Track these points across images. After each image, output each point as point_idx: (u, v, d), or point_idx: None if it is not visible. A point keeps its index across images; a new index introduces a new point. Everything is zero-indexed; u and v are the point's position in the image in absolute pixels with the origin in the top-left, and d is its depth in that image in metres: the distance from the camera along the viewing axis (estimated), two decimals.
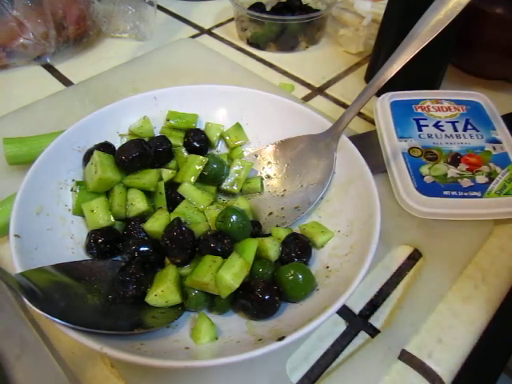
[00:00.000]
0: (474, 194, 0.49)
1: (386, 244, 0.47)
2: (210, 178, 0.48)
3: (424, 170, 0.51)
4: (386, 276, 0.46)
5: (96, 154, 0.45)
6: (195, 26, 0.88)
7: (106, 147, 0.48)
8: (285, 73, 0.75)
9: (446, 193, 0.49)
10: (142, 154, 0.45)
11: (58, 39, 0.73)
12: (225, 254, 0.40)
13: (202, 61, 0.75)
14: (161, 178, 0.48)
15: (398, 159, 0.53)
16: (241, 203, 0.47)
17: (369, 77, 0.72)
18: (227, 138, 0.54)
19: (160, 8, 0.92)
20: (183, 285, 0.39)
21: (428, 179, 0.50)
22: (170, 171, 0.49)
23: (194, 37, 0.84)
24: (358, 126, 0.62)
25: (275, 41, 0.79)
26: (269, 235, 0.45)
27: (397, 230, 0.49)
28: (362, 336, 0.41)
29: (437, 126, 0.56)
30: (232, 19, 0.87)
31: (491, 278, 0.45)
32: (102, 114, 0.50)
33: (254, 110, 0.54)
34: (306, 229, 0.45)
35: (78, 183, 0.46)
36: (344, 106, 0.68)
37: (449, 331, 0.41)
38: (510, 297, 0.45)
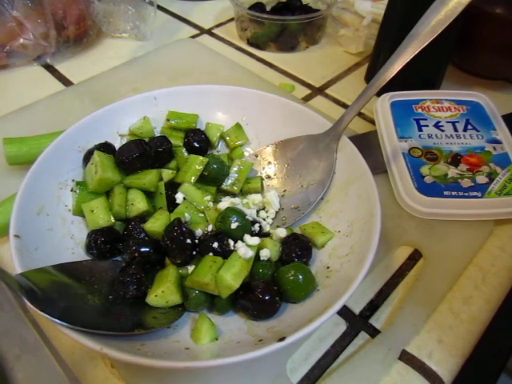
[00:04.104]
0: (475, 194, 0.49)
1: (387, 244, 0.47)
2: (210, 179, 0.48)
3: (424, 170, 0.51)
4: (387, 276, 0.46)
5: (96, 154, 0.45)
6: (195, 26, 0.88)
7: (106, 147, 0.48)
8: (285, 73, 0.75)
9: (446, 193, 0.49)
10: (142, 154, 0.46)
11: (58, 39, 0.73)
12: (225, 255, 0.40)
13: (202, 61, 0.75)
14: (161, 179, 0.48)
15: (399, 159, 0.53)
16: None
17: (369, 77, 0.72)
18: (227, 138, 0.54)
19: (160, 8, 0.92)
20: (183, 285, 0.39)
21: (428, 179, 0.50)
22: (170, 171, 0.49)
23: (194, 37, 0.84)
24: (358, 126, 0.62)
25: (275, 41, 0.79)
26: (269, 235, 0.45)
27: (397, 230, 0.49)
28: (363, 336, 0.41)
29: (437, 126, 0.56)
30: (232, 19, 0.87)
31: (491, 278, 0.45)
32: (102, 114, 0.50)
33: (254, 110, 0.54)
34: (306, 229, 0.45)
35: (78, 183, 0.46)
36: (344, 106, 0.68)
37: (449, 331, 0.41)
38: (510, 297, 0.45)
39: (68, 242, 0.42)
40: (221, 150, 0.55)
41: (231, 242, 0.41)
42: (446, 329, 0.41)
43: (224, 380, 0.37)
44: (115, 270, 0.40)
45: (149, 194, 0.46)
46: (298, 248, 0.42)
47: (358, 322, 0.42)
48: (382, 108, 0.58)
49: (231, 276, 0.37)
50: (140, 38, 0.82)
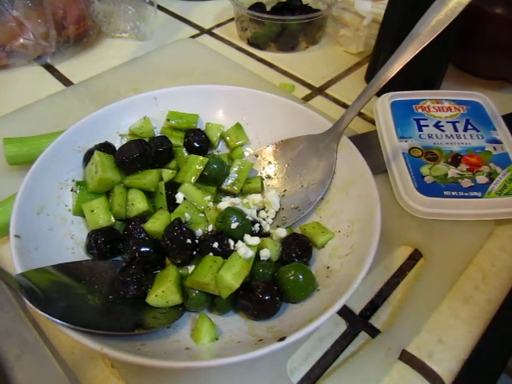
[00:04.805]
0: (475, 194, 0.49)
1: (387, 244, 0.47)
2: (211, 179, 0.48)
3: (424, 170, 0.51)
4: (387, 276, 0.46)
5: (96, 154, 0.45)
6: (195, 26, 0.88)
7: (106, 147, 0.48)
8: (285, 73, 0.75)
9: (446, 193, 0.49)
10: (142, 154, 0.46)
11: (58, 39, 0.73)
12: (225, 255, 0.40)
13: (202, 61, 0.75)
14: (161, 179, 0.48)
15: (399, 159, 0.53)
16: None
17: (369, 77, 0.72)
18: (227, 138, 0.54)
19: (160, 8, 0.92)
20: (184, 285, 0.39)
21: (428, 179, 0.50)
22: (171, 171, 0.49)
23: (194, 37, 0.84)
24: (359, 126, 0.62)
25: (275, 41, 0.79)
26: (269, 235, 0.45)
27: (397, 230, 0.49)
28: (363, 336, 0.41)
29: (437, 126, 0.56)
30: (232, 19, 0.87)
31: (491, 278, 0.45)
32: (102, 114, 0.50)
33: (255, 110, 0.54)
34: (306, 229, 0.45)
35: (79, 183, 0.46)
36: (344, 105, 0.68)
37: (449, 331, 0.41)
38: (510, 297, 0.45)
39: (68, 242, 0.42)
40: (221, 149, 0.55)
41: (231, 242, 0.41)
42: (446, 329, 0.41)
43: (224, 380, 0.37)
44: (115, 269, 0.40)
45: (149, 194, 0.46)
46: (298, 248, 0.42)
47: (358, 322, 0.42)
48: (382, 108, 0.58)
49: (231, 276, 0.37)
50: (140, 38, 0.82)
